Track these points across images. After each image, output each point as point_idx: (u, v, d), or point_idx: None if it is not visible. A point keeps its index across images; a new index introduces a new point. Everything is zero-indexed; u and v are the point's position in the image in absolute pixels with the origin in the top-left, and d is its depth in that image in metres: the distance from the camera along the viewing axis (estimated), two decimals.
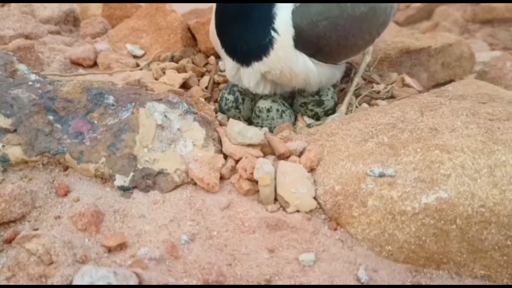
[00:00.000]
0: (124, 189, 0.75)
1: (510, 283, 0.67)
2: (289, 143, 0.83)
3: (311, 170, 0.79)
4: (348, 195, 0.72)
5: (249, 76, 0.92)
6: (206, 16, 1.24)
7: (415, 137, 0.78)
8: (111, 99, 0.81)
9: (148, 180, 0.76)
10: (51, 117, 0.78)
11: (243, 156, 0.78)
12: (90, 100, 0.80)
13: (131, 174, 0.75)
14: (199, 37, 1.25)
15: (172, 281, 0.60)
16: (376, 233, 0.69)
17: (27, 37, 1.24)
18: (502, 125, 0.78)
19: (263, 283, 0.63)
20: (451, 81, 1.28)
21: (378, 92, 1.11)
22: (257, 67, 0.90)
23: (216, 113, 1.00)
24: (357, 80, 1.05)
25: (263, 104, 0.97)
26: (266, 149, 0.83)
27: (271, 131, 0.94)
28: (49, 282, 0.58)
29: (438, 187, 0.69)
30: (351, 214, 0.71)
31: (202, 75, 1.18)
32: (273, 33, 0.86)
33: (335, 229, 0.72)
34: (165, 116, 0.81)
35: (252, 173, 0.75)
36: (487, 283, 0.67)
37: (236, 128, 0.81)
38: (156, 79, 1.11)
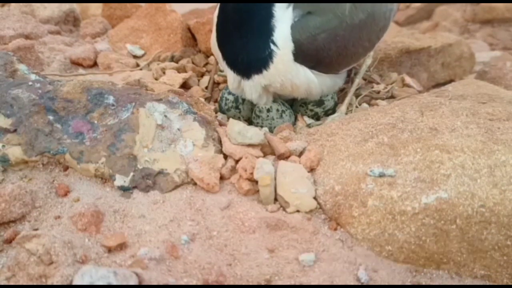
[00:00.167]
0: (124, 189, 0.75)
1: (510, 283, 0.67)
2: (289, 143, 0.83)
3: (311, 170, 0.79)
4: (348, 195, 0.72)
5: (250, 89, 0.93)
6: (206, 16, 1.24)
7: (415, 137, 0.78)
8: (111, 99, 0.81)
9: (148, 180, 0.76)
10: (51, 117, 0.78)
11: (243, 156, 0.78)
12: (90, 100, 0.80)
13: (131, 174, 0.75)
14: (199, 37, 1.25)
15: (172, 281, 0.60)
16: (376, 233, 0.69)
17: (27, 37, 1.24)
18: (502, 125, 0.78)
19: (263, 283, 0.63)
20: (451, 81, 1.28)
21: (378, 92, 1.11)
22: (258, 80, 0.91)
23: (216, 113, 1.00)
24: (357, 81, 1.05)
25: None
26: (266, 149, 0.83)
27: (271, 131, 0.94)
28: (49, 282, 0.58)
29: (438, 187, 0.69)
30: (351, 214, 0.71)
31: (202, 75, 1.18)
32: (272, 46, 0.87)
33: (335, 229, 0.72)
34: (165, 116, 0.81)
35: (252, 173, 0.75)
36: (487, 283, 0.67)
37: (236, 128, 0.81)
38: (156, 79, 1.11)
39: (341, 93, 1.09)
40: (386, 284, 0.65)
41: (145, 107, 0.81)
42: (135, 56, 1.27)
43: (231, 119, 0.86)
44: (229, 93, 1.01)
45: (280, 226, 0.70)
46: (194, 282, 0.61)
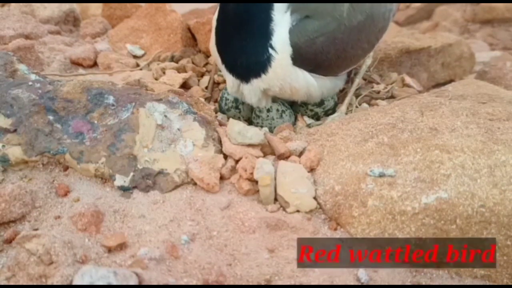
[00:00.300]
0: (124, 189, 0.75)
1: (510, 283, 0.67)
2: (289, 143, 0.83)
3: (311, 170, 0.79)
4: (348, 195, 0.72)
5: (249, 93, 0.93)
6: (206, 16, 1.24)
7: (415, 137, 0.78)
8: (111, 99, 0.81)
9: (148, 180, 0.76)
10: (51, 117, 0.78)
11: (243, 156, 0.78)
12: (90, 100, 0.80)
13: (131, 174, 0.75)
14: (199, 37, 1.25)
15: (172, 281, 0.60)
16: (376, 233, 0.69)
17: (27, 37, 1.24)
18: (502, 125, 0.78)
19: (263, 283, 0.63)
20: (451, 81, 1.28)
21: (378, 92, 1.11)
22: (256, 84, 0.91)
23: (216, 113, 1.00)
24: (357, 81, 1.05)
25: None
26: (266, 149, 0.83)
27: (271, 131, 0.94)
28: (49, 282, 0.58)
29: (438, 187, 0.69)
30: (351, 214, 0.71)
31: (202, 75, 1.18)
32: (270, 50, 0.87)
33: (335, 229, 0.72)
34: (165, 116, 0.81)
35: (252, 173, 0.75)
36: (487, 283, 0.67)
37: (236, 128, 0.81)
38: (156, 79, 1.11)
39: (341, 93, 1.09)
40: (386, 284, 0.65)
41: (145, 107, 0.81)
42: (135, 56, 1.27)
43: (231, 119, 0.86)
44: (229, 93, 1.01)
45: (280, 226, 0.70)
46: (194, 282, 0.61)
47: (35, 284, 0.59)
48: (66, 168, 0.77)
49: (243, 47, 0.88)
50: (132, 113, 0.80)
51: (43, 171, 0.76)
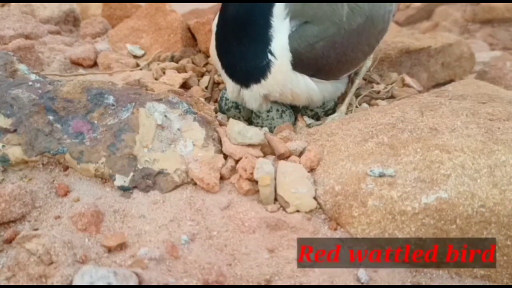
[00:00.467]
0: (124, 189, 0.75)
1: (510, 283, 0.67)
2: (289, 143, 0.83)
3: (311, 170, 0.79)
4: (348, 195, 0.72)
5: (250, 98, 0.93)
6: (206, 16, 1.24)
7: (415, 137, 0.78)
8: (111, 99, 0.81)
9: (148, 180, 0.76)
10: (51, 117, 0.78)
11: (243, 156, 0.78)
12: (90, 100, 0.80)
13: (131, 174, 0.75)
14: (199, 37, 1.25)
15: (172, 281, 0.60)
16: (376, 233, 0.69)
17: (27, 37, 1.24)
18: (502, 125, 0.78)
19: (263, 283, 0.63)
20: (451, 81, 1.28)
21: (378, 92, 1.11)
22: (257, 89, 0.91)
23: (216, 113, 1.00)
24: (358, 81, 1.05)
25: None
26: (266, 149, 0.83)
27: (271, 131, 0.94)
28: (49, 282, 0.58)
29: (438, 187, 0.69)
30: (351, 214, 0.71)
31: (202, 75, 1.18)
32: (270, 56, 0.87)
33: (335, 229, 0.72)
34: (165, 116, 0.81)
35: (252, 173, 0.75)
36: (487, 283, 0.67)
37: (236, 128, 0.81)
38: (156, 79, 1.11)
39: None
40: (386, 284, 0.65)
41: (145, 107, 0.81)
42: (135, 56, 1.27)
43: (231, 119, 0.86)
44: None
45: (280, 226, 0.70)
46: (194, 282, 0.61)
47: (35, 284, 0.59)
48: (66, 168, 0.77)
49: (243, 52, 0.88)
50: (132, 113, 0.80)
51: (43, 171, 0.76)
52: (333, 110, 1.02)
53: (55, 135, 0.77)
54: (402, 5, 2.12)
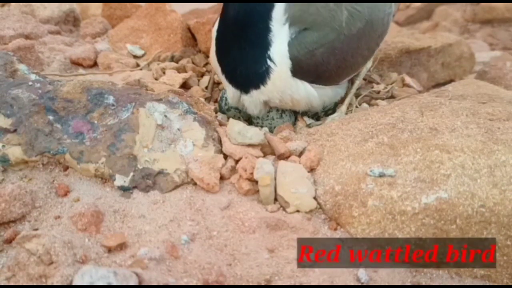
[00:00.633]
0: (124, 189, 0.75)
1: (510, 283, 0.67)
2: (289, 143, 0.83)
3: (311, 170, 0.79)
4: (348, 195, 0.72)
5: (250, 104, 0.93)
6: (206, 16, 1.24)
7: (415, 137, 0.78)
8: (111, 99, 0.81)
9: (148, 180, 0.76)
10: (51, 117, 0.78)
11: (243, 156, 0.78)
12: (90, 100, 0.80)
13: (131, 174, 0.75)
14: (199, 37, 1.25)
15: (172, 281, 0.60)
16: (376, 233, 0.69)
17: (27, 37, 1.24)
18: (502, 125, 0.78)
19: (263, 283, 0.63)
20: (451, 81, 1.28)
21: (378, 92, 1.11)
22: (257, 96, 0.91)
23: (216, 113, 1.00)
24: (358, 82, 1.05)
25: None
26: (266, 149, 0.83)
27: (271, 131, 0.94)
28: (49, 282, 0.58)
29: (438, 187, 0.69)
30: (351, 214, 0.71)
31: (202, 75, 1.18)
32: (269, 62, 0.87)
33: (335, 229, 0.72)
34: (165, 116, 0.81)
35: (252, 173, 0.75)
36: (487, 283, 0.67)
37: (236, 128, 0.81)
38: (156, 79, 1.11)
39: None
40: (386, 284, 0.65)
41: (145, 107, 0.81)
42: (135, 56, 1.27)
43: (231, 119, 0.86)
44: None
45: (280, 226, 0.70)
46: (194, 282, 0.61)
47: (35, 284, 0.59)
48: (66, 168, 0.77)
49: (243, 56, 0.88)
50: (132, 113, 0.80)
51: (43, 171, 0.76)
52: (333, 110, 1.02)
53: (55, 135, 0.77)
54: (402, 5, 2.12)
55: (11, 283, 0.60)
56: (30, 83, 0.81)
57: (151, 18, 1.32)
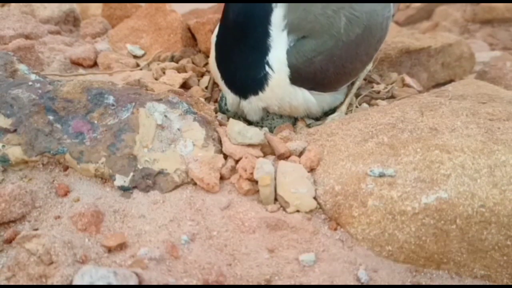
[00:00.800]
0: (124, 189, 0.75)
1: (510, 283, 0.67)
2: (289, 143, 0.83)
3: (311, 170, 0.79)
4: (348, 195, 0.72)
5: (249, 111, 0.94)
6: (206, 16, 1.24)
7: (415, 137, 0.78)
8: (111, 99, 0.81)
9: (148, 180, 0.76)
10: (51, 117, 0.78)
11: (243, 156, 0.78)
12: (90, 100, 0.80)
13: (131, 174, 0.75)
14: (199, 37, 1.25)
15: (172, 281, 0.60)
16: (376, 233, 0.69)
17: (27, 37, 1.24)
18: (502, 125, 0.78)
19: (263, 283, 0.63)
20: (451, 81, 1.28)
21: (378, 92, 1.11)
22: (255, 102, 0.92)
23: (216, 113, 1.00)
24: (358, 83, 1.05)
25: None
26: (266, 149, 0.83)
27: (271, 131, 0.94)
28: (49, 282, 0.58)
29: (438, 187, 0.69)
30: (351, 214, 0.71)
31: (202, 75, 1.18)
32: (267, 68, 0.87)
33: (335, 229, 0.72)
34: (165, 116, 0.81)
35: (252, 173, 0.75)
36: (487, 283, 0.67)
37: (236, 128, 0.81)
38: (156, 79, 1.11)
39: None
40: (386, 284, 0.65)
41: (145, 107, 0.81)
42: (135, 56, 1.27)
43: (231, 119, 0.86)
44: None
45: (280, 226, 0.70)
46: (194, 282, 0.61)
47: (35, 284, 0.59)
48: (66, 168, 0.77)
49: (242, 61, 0.88)
50: (132, 113, 0.80)
51: (43, 171, 0.76)
52: (333, 110, 1.02)
53: (55, 135, 0.77)
54: (402, 5, 2.12)
55: (11, 283, 0.60)
56: (30, 83, 0.81)
57: (151, 18, 1.32)
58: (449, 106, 0.87)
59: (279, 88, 0.88)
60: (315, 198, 0.75)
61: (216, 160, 0.78)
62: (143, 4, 1.39)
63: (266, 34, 0.86)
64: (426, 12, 2.09)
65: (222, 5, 0.91)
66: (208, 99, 1.09)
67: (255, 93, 0.90)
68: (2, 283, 0.60)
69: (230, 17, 0.86)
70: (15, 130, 0.76)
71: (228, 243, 0.68)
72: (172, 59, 1.21)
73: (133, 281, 0.55)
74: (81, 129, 0.78)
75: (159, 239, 0.67)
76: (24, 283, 0.59)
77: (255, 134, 0.81)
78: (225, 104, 1.01)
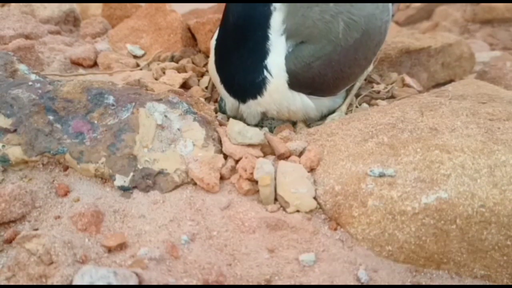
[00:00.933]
0: (124, 189, 0.75)
1: (510, 283, 0.67)
2: (289, 143, 0.83)
3: (311, 170, 0.79)
4: (348, 195, 0.72)
5: (248, 116, 0.94)
6: (206, 16, 1.24)
7: (415, 137, 0.78)
8: (111, 99, 0.81)
9: (148, 180, 0.76)
10: (51, 117, 0.78)
11: (243, 156, 0.78)
12: (90, 100, 0.80)
13: (131, 174, 0.75)
14: (199, 37, 1.25)
15: (172, 281, 0.60)
16: (376, 233, 0.69)
17: (27, 37, 1.24)
18: (502, 125, 0.78)
19: (263, 283, 0.63)
20: (451, 81, 1.28)
21: (378, 92, 1.11)
22: (254, 107, 0.92)
23: (216, 113, 1.00)
24: (358, 84, 1.05)
25: None
26: (266, 149, 0.83)
27: (271, 131, 0.94)
28: (49, 282, 0.58)
29: (438, 187, 0.69)
30: (351, 214, 0.71)
31: (202, 75, 1.18)
32: (265, 72, 0.87)
33: (335, 229, 0.72)
34: (165, 116, 0.81)
35: (252, 173, 0.75)
36: (487, 283, 0.67)
37: (236, 128, 0.81)
38: (156, 79, 1.11)
39: None
40: (386, 284, 0.65)
41: (145, 107, 0.81)
42: (135, 56, 1.27)
43: (231, 119, 0.86)
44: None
45: (280, 226, 0.70)
46: (194, 282, 0.61)
47: (35, 284, 0.59)
48: (66, 168, 0.77)
49: (241, 64, 0.88)
50: (132, 113, 0.80)
51: (43, 171, 0.76)
52: (333, 110, 1.02)
53: (55, 135, 0.77)
54: (402, 5, 2.12)
55: (11, 283, 0.60)
56: (30, 83, 0.81)
57: (151, 18, 1.32)
58: (449, 106, 0.87)
59: (278, 93, 0.89)
60: (315, 198, 0.75)
61: (216, 160, 0.78)
62: (143, 4, 1.39)
63: (265, 38, 0.86)
64: (426, 12, 2.09)
65: (222, 5, 0.91)
66: (208, 99, 1.10)
67: (254, 97, 0.90)
68: (2, 283, 0.60)
69: (230, 19, 0.86)
70: (15, 130, 0.76)
71: (228, 243, 0.68)
72: (172, 59, 1.21)
73: (133, 281, 0.55)
74: (81, 129, 0.78)
75: (159, 239, 0.67)
76: (24, 283, 0.59)
77: (255, 134, 0.81)
78: (225, 104, 1.01)
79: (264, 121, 0.97)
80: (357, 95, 1.08)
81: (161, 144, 0.79)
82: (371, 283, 0.65)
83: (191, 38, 1.28)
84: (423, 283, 0.67)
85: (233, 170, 0.79)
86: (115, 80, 1.02)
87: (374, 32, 0.93)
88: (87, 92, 0.81)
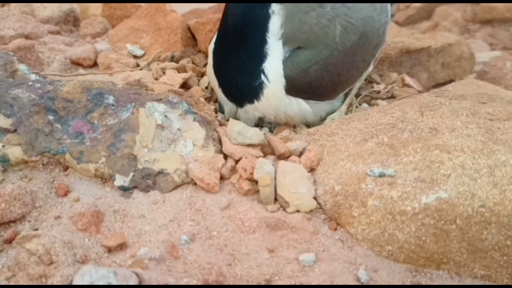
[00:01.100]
0: (124, 189, 0.75)
1: (510, 283, 0.67)
2: (289, 143, 0.83)
3: (311, 170, 0.79)
4: (348, 195, 0.72)
5: (246, 121, 0.94)
6: (206, 16, 1.24)
7: (415, 137, 0.78)
8: (111, 99, 0.81)
9: (148, 180, 0.76)
10: (51, 117, 0.78)
11: (243, 156, 0.78)
12: (90, 100, 0.80)
13: (131, 174, 0.75)
14: (199, 37, 1.25)
15: (172, 281, 0.60)
16: (376, 233, 0.69)
17: (27, 37, 1.24)
18: (502, 125, 0.78)
19: (263, 283, 0.63)
20: (451, 81, 1.28)
21: (378, 92, 1.11)
22: (252, 112, 0.92)
23: (216, 113, 1.00)
24: (358, 84, 1.05)
25: None
26: (266, 149, 0.83)
27: (271, 131, 0.94)
28: (49, 282, 0.58)
29: (438, 187, 0.69)
30: (351, 214, 0.71)
31: (202, 75, 1.18)
32: (263, 77, 0.87)
33: (335, 229, 0.72)
34: (165, 116, 0.81)
35: (252, 173, 0.75)
36: (487, 283, 0.67)
37: (236, 128, 0.81)
38: (156, 79, 1.11)
39: None
40: (386, 284, 0.65)
41: (145, 107, 0.81)
42: (135, 56, 1.27)
43: (231, 119, 0.86)
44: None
45: (280, 226, 0.70)
46: (194, 282, 0.61)
47: (35, 284, 0.59)
48: (66, 168, 0.77)
49: (239, 66, 0.88)
50: (132, 113, 0.80)
51: (43, 171, 0.76)
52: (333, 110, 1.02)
53: (55, 135, 0.77)
54: (402, 5, 2.12)
55: (11, 283, 0.60)
56: (30, 83, 0.81)
57: (151, 18, 1.32)
58: (449, 106, 0.87)
59: (275, 98, 0.89)
60: (315, 198, 0.75)
61: (216, 160, 0.78)
62: (143, 4, 1.39)
63: (263, 41, 0.87)
64: (426, 12, 2.09)
65: (222, 5, 0.91)
66: (208, 99, 1.10)
67: (251, 101, 0.90)
68: (2, 283, 0.60)
69: (230, 22, 0.87)
70: (15, 130, 0.76)
71: (228, 243, 0.68)
72: (172, 59, 1.21)
73: (133, 281, 0.55)
74: (81, 129, 0.78)
75: (159, 239, 0.67)
76: (24, 283, 0.59)
77: (255, 134, 0.81)
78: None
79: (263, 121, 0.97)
80: (357, 95, 1.08)
81: (161, 144, 0.79)
82: (371, 283, 0.65)
83: (191, 38, 1.28)
84: (423, 283, 0.67)
85: (233, 170, 0.79)
86: (115, 80, 1.02)
87: (372, 34, 0.93)
88: (87, 92, 0.81)
